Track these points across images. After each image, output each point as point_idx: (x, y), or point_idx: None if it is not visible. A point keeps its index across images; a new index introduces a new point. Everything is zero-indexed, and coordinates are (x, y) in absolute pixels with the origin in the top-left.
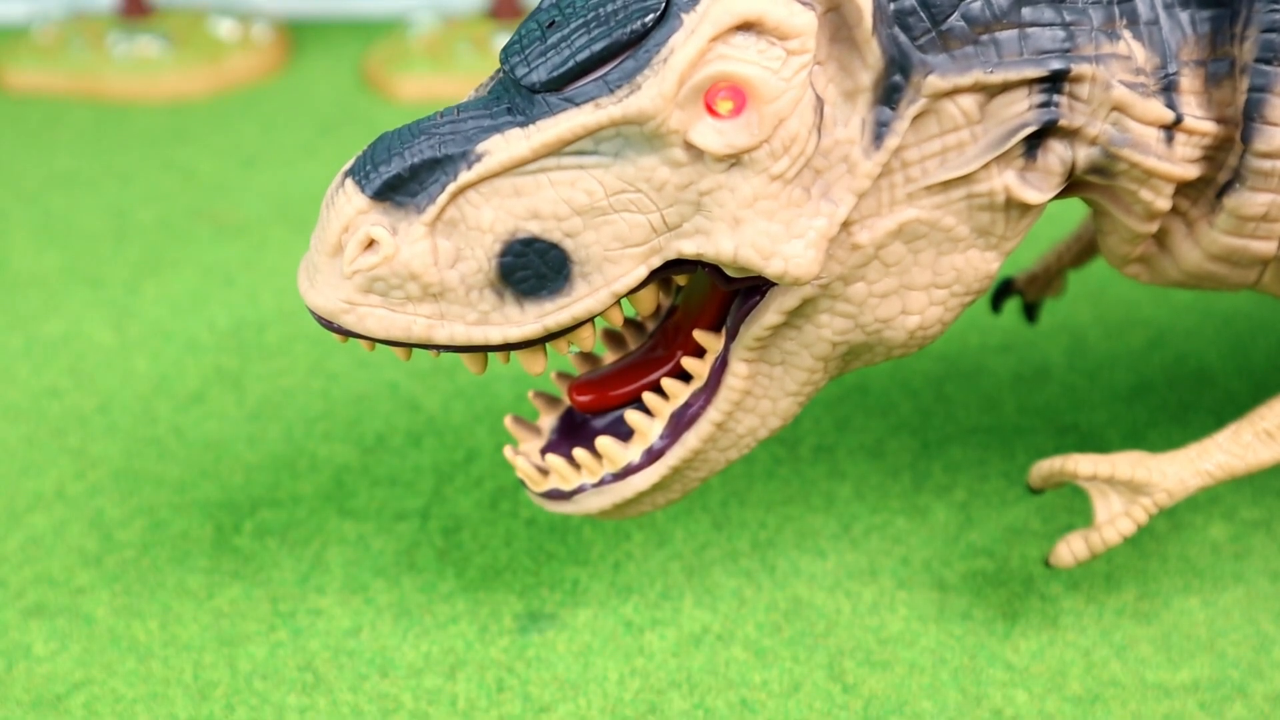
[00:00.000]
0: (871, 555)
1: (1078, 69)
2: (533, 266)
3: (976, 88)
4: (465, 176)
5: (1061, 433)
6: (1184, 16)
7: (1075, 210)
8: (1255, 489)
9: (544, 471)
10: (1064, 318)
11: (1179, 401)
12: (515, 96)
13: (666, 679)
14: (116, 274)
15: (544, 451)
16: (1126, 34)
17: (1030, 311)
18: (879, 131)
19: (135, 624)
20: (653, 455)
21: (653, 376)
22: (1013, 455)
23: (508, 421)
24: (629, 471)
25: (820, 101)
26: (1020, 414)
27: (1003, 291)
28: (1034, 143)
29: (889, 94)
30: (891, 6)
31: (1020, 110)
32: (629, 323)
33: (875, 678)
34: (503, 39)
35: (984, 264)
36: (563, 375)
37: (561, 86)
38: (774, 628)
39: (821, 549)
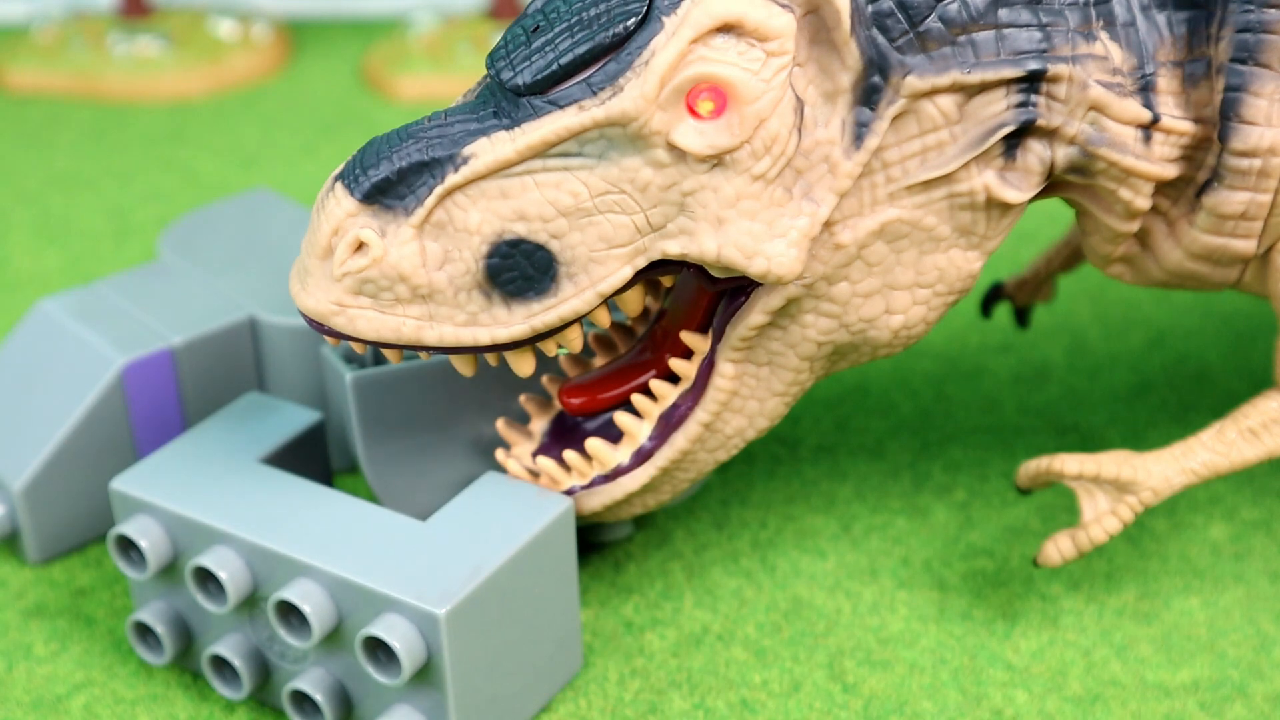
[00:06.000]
0: (871, 555)
1: (1055, 69)
2: (519, 268)
3: (954, 88)
4: (452, 179)
5: (1061, 433)
6: (1161, 18)
7: (1065, 215)
8: (1255, 489)
9: (535, 474)
10: (1064, 318)
11: (1179, 401)
12: (501, 100)
13: (666, 679)
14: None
15: (535, 454)
16: (1103, 35)
17: (1021, 316)
18: (859, 132)
19: None
20: (642, 456)
21: (642, 379)
22: (1013, 455)
23: (500, 425)
24: (619, 473)
25: (800, 102)
26: (1020, 414)
27: (993, 296)
28: (1013, 142)
29: (868, 95)
30: (870, 9)
31: (998, 110)
32: (618, 326)
33: (875, 678)
34: None
35: (966, 263)
36: (554, 378)
37: (546, 89)
38: (774, 628)
39: (821, 549)
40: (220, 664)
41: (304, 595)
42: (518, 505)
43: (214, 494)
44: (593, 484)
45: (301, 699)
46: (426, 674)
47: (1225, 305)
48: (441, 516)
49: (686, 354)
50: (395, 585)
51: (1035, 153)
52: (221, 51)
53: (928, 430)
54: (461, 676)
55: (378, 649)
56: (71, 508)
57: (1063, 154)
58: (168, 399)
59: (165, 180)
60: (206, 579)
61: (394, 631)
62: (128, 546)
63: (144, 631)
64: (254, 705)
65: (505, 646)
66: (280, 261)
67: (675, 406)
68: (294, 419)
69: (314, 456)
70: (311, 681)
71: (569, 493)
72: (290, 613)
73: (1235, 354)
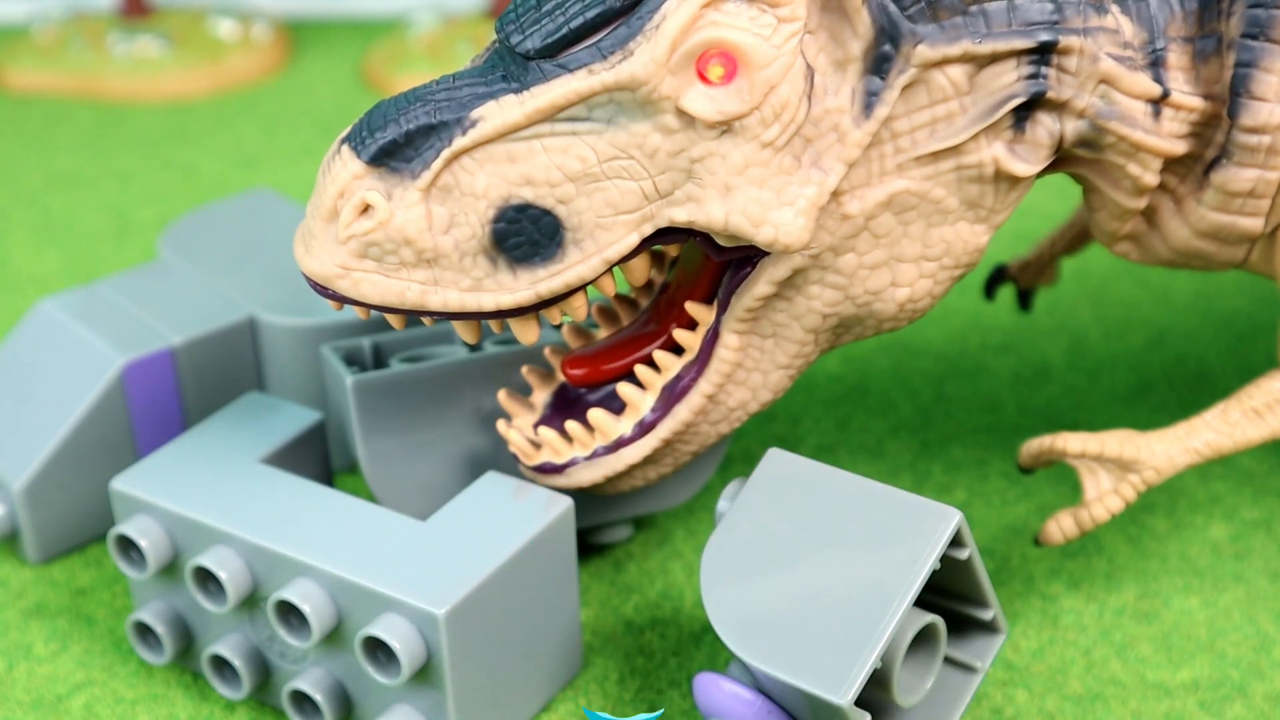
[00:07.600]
0: None
1: (1065, 41)
2: (525, 233)
3: (965, 58)
4: (460, 142)
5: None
6: None
7: (1068, 201)
8: (1255, 489)
9: (537, 445)
10: (1064, 318)
11: (1179, 401)
12: (510, 64)
13: (666, 679)
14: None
15: (537, 425)
16: (1115, 8)
17: (1024, 299)
18: (869, 101)
19: None
20: (644, 428)
21: (645, 350)
22: (1013, 455)
23: (501, 396)
24: (621, 444)
25: (811, 70)
26: (1020, 414)
27: (996, 278)
28: (1022, 115)
29: (879, 64)
30: None
31: (1008, 82)
32: (622, 299)
33: None
34: None
35: (973, 237)
36: (556, 350)
37: (555, 53)
38: None
39: None
40: (220, 664)
41: (304, 595)
42: (518, 505)
43: (214, 494)
44: (594, 455)
45: (301, 699)
46: (426, 674)
47: (1225, 306)
48: (441, 516)
49: (691, 325)
50: (395, 585)
51: (1044, 125)
52: (221, 51)
53: (928, 430)
54: (461, 676)
55: (377, 649)
56: (71, 508)
57: (1072, 127)
58: (168, 399)
59: (165, 180)
60: (206, 579)
61: (394, 631)
62: (128, 546)
63: (144, 631)
64: (254, 705)
65: (505, 646)
66: (280, 261)
67: (679, 378)
68: (294, 419)
69: (314, 456)
70: (311, 681)
71: (570, 464)
72: (290, 613)
73: (1235, 354)
